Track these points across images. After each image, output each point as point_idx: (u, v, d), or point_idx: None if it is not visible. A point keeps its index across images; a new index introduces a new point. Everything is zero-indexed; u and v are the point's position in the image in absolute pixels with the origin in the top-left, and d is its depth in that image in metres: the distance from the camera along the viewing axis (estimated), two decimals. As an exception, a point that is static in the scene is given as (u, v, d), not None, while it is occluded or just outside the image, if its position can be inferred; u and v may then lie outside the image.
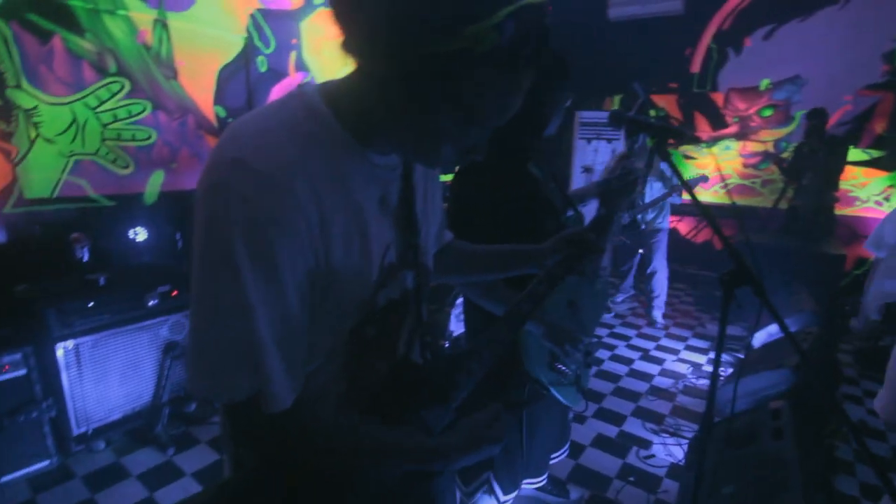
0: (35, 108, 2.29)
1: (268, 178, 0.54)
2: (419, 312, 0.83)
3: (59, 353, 2.06)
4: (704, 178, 3.75)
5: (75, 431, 2.17)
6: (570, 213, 1.53)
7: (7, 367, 1.99)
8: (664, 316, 4.06)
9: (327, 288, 0.62)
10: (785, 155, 4.71)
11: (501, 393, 1.41)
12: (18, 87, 2.23)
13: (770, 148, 4.92)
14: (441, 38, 0.50)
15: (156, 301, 2.34)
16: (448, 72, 0.52)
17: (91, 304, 2.14)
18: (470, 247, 1.05)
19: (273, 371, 0.57)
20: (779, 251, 4.10)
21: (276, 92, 3.33)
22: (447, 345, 1.48)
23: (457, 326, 2.91)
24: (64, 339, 2.07)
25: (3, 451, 1.97)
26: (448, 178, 1.45)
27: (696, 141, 1.42)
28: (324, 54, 3.56)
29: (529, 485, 1.83)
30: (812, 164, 4.12)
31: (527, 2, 0.50)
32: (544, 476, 1.84)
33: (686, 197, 4.00)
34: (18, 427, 2.02)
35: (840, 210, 4.51)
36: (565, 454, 1.88)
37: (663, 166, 3.67)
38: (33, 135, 2.30)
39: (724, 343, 1.02)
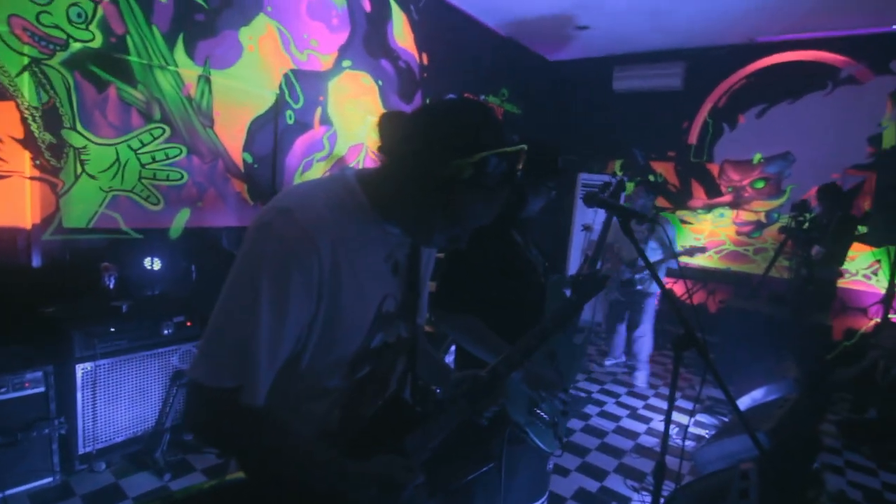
0: (84, 147, 2.54)
1: (301, 226, 0.73)
2: (412, 357, 1.00)
3: (79, 373, 2.21)
4: (702, 250, 3.96)
5: (81, 450, 2.28)
6: (555, 277, 1.70)
7: (28, 384, 2.14)
8: (651, 376, 4.15)
9: (334, 324, 0.79)
10: (783, 224, 4.86)
11: (479, 441, 1.52)
12: (73, 128, 2.49)
13: (762, 218, 5.14)
14: (435, 164, 0.75)
15: (171, 330, 2.50)
16: (440, 188, 0.76)
17: (113, 329, 2.31)
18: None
19: (259, 372, 0.72)
20: (769, 319, 4.23)
21: (301, 142, 3.62)
22: (438, 390, 1.59)
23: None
24: (84, 360, 2.23)
25: (10, 465, 2.08)
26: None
27: (655, 222, 1.61)
28: (346, 110, 3.88)
29: None
30: (811, 236, 4.29)
31: (501, 150, 0.75)
32: None
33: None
34: (30, 442, 2.13)
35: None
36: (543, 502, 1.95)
37: (670, 232, 3.87)
38: (79, 171, 2.55)
39: (673, 402, 1.16)
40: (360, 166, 4.01)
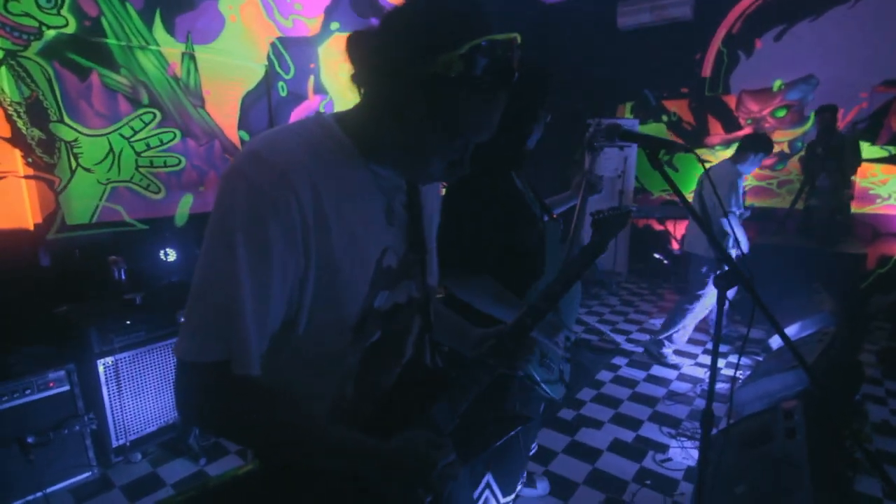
0: (76, 140, 2.46)
1: (272, 167, 0.64)
2: (427, 318, 0.91)
3: (101, 369, 2.20)
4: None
5: (115, 443, 2.30)
6: (546, 218, 1.62)
7: (52, 383, 2.14)
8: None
9: (329, 281, 0.70)
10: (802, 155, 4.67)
11: (503, 403, 1.48)
12: (61, 121, 2.41)
13: (785, 148, 4.90)
14: (419, 65, 0.63)
15: (187, 318, 2.47)
16: (427, 93, 0.64)
17: (128, 322, 2.28)
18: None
19: (249, 338, 0.64)
20: (798, 252, 4.08)
21: (297, 114, 3.49)
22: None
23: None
24: (104, 355, 2.21)
25: (49, 463, 2.11)
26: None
27: (685, 150, 1.46)
28: (340, 77, 3.71)
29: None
30: (824, 163, 4.09)
31: (490, 37, 0.62)
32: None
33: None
34: (62, 440, 2.15)
35: (859, 208, 4.46)
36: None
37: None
38: (74, 165, 2.47)
39: (719, 343, 1.07)
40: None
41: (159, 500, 0.63)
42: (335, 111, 0.76)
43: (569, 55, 5.96)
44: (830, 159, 4.04)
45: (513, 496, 1.77)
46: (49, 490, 2.11)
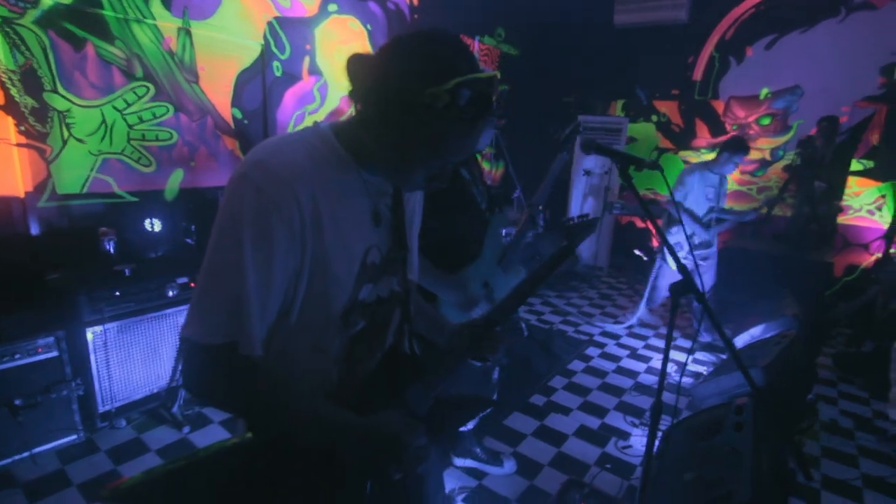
0: (68, 110, 2.48)
1: (278, 176, 0.73)
2: (407, 310, 1.01)
3: (89, 337, 2.26)
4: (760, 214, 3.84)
5: (101, 409, 2.37)
6: (498, 214, 1.81)
7: (41, 349, 2.19)
8: (652, 315, 4.21)
9: (320, 276, 0.79)
10: (788, 161, 4.81)
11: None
12: (54, 90, 2.42)
13: (767, 156, 5.04)
14: (411, 94, 0.72)
15: (175, 292, 2.53)
16: (416, 119, 0.74)
17: (118, 293, 2.34)
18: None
19: (253, 324, 0.73)
20: (771, 257, 4.24)
21: (290, 95, 3.51)
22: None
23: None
24: (93, 324, 2.27)
25: (36, 425, 2.17)
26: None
27: (655, 167, 1.57)
28: (335, 58, 3.73)
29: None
30: (813, 172, 4.24)
31: (474, 76, 0.72)
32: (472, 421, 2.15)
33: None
34: (50, 403, 2.21)
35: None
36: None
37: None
38: (66, 135, 2.49)
39: (670, 343, 1.18)
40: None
41: (151, 467, 0.69)
42: (332, 123, 0.85)
43: (564, 48, 6.01)
44: (823, 168, 4.19)
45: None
46: (36, 450, 2.18)
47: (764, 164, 5.06)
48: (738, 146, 3.37)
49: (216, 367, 0.74)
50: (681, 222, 2.05)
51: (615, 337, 3.95)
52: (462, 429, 2.17)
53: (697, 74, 5.33)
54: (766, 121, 5.01)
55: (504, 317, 1.05)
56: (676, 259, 1.20)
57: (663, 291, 3.89)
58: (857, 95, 4.50)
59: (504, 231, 1.84)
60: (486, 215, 1.77)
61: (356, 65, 0.77)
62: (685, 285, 1.15)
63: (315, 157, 0.79)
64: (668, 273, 3.83)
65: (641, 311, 4.08)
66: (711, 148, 5.32)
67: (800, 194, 4.48)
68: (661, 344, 3.84)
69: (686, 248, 3.52)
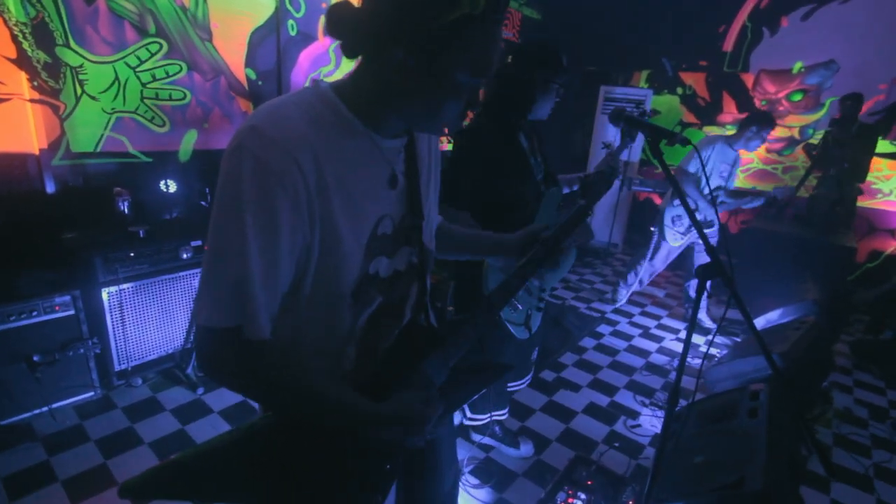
0: (81, 66, 2.42)
1: (276, 142, 0.67)
2: (424, 283, 0.97)
3: (105, 297, 2.28)
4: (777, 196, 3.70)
5: (117, 367, 2.41)
6: (553, 189, 1.74)
7: (58, 307, 2.21)
8: (666, 297, 4.17)
9: (331, 250, 0.75)
10: (813, 141, 4.65)
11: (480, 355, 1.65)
12: (67, 45, 2.36)
13: (796, 134, 4.85)
14: (446, 9, 0.64)
15: (189, 254, 2.53)
16: (455, 35, 0.66)
17: (132, 254, 2.34)
18: (452, 229, 1.17)
19: (258, 306, 0.69)
20: (792, 240, 4.13)
21: (305, 56, 3.41)
22: (451, 308, 1.74)
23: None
24: (108, 284, 2.28)
25: (54, 381, 2.22)
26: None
27: (685, 142, 1.49)
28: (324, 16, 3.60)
29: (497, 417, 2.10)
30: (841, 152, 4.07)
31: None
32: (506, 409, 2.12)
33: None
34: (67, 361, 2.26)
35: (860, 202, 4.48)
36: (524, 384, 2.10)
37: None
38: (79, 92, 2.45)
39: (694, 327, 1.14)
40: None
41: (183, 451, 0.69)
42: (332, 82, 0.77)
43: (588, 12, 5.75)
44: (846, 149, 4.01)
45: (484, 417, 1.98)
46: (55, 405, 2.23)
47: (792, 142, 4.87)
48: (767, 120, 3.26)
49: (223, 350, 0.71)
50: (684, 194, 1.95)
51: (628, 315, 3.92)
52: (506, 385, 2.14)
53: (728, 45, 5.09)
54: (798, 97, 4.79)
55: (520, 283, 1.00)
56: (705, 239, 1.14)
57: (659, 267, 3.88)
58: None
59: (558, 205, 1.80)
60: (542, 187, 1.72)
61: (344, 13, 0.69)
62: (714, 268, 1.10)
63: (316, 119, 0.72)
64: (664, 249, 3.77)
65: (632, 287, 4.01)
66: (737, 124, 5.13)
67: (825, 175, 4.32)
68: (674, 324, 3.81)
69: (687, 222, 3.51)
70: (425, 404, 0.80)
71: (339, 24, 0.70)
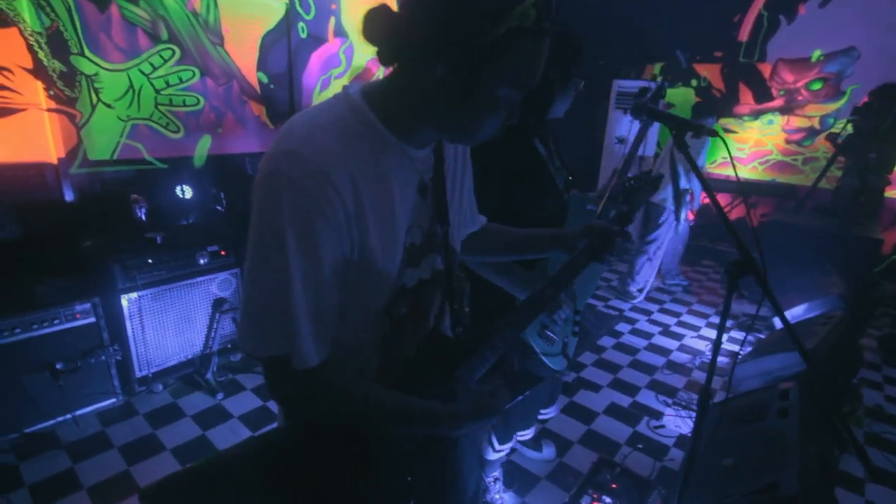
0: (96, 74, 2.44)
1: (313, 167, 0.64)
2: (450, 288, 0.94)
3: (124, 303, 2.29)
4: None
5: (138, 374, 2.43)
6: (575, 192, 1.61)
7: (79, 315, 2.23)
8: (684, 293, 4.17)
9: (365, 268, 0.73)
10: (835, 130, 4.53)
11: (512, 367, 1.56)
12: (81, 53, 2.37)
13: (815, 124, 4.73)
14: (493, 23, 0.60)
15: (206, 260, 2.53)
16: (501, 50, 0.62)
17: (150, 260, 2.35)
18: (503, 228, 1.14)
19: (303, 333, 0.67)
20: (814, 232, 4.03)
21: (316, 58, 3.40)
22: (467, 310, 1.63)
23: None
24: (127, 291, 2.30)
25: (77, 389, 2.24)
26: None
27: (713, 134, 1.43)
28: (361, 19, 3.58)
29: (520, 437, 2.05)
30: (866, 142, 3.96)
31: None
32: (532, 428, 2.06)
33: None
34: (89, 368, 2.27)
35: (887, 192, 4.35)
36: (554, 413, 2.04)
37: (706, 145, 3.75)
38: (95, 100, 2.46)
39: (724, 325, 1.10)
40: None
41: (201, 458, 0.69)
42: (362, 87, 0.74)
43: (598, 4, 5.67)
44: (873, 138, 3.91)
45: (508, 446, 1.91)
46: (78, 413, 2.25)
47: (812, 132, 4.76)
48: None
49: (275, 380, 0.71)
50: (712, 191, 1.85)
51: (647, 313, 3.86)
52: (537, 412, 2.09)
53: (743, 34, 4.98)
54: (817, 85, 4.67)
55: (555, 292, 0.98)
56: (736, 236, 1.09)
57: (667, 257, 4.01)
58: (921, 59, 4.15)
59: (589, 207, 1.64)
60: (564, 196, 1.57)
61: (382, 19, 0.65)
62: (746, 264, 1.06)
63: (349, 134, 0.70)
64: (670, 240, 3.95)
65: (649, 283, 4.10)
66: (755, 115, 5.03)
67: (850, 166, 4.20)
68: (693, 321, 3.74)
69: (672, 207, 3.73)
70: (493, 396, 0.79)
71: (377, 30, 0.67)
